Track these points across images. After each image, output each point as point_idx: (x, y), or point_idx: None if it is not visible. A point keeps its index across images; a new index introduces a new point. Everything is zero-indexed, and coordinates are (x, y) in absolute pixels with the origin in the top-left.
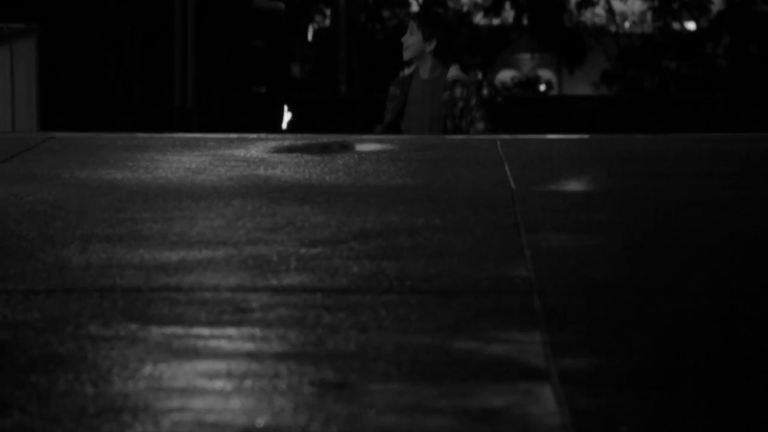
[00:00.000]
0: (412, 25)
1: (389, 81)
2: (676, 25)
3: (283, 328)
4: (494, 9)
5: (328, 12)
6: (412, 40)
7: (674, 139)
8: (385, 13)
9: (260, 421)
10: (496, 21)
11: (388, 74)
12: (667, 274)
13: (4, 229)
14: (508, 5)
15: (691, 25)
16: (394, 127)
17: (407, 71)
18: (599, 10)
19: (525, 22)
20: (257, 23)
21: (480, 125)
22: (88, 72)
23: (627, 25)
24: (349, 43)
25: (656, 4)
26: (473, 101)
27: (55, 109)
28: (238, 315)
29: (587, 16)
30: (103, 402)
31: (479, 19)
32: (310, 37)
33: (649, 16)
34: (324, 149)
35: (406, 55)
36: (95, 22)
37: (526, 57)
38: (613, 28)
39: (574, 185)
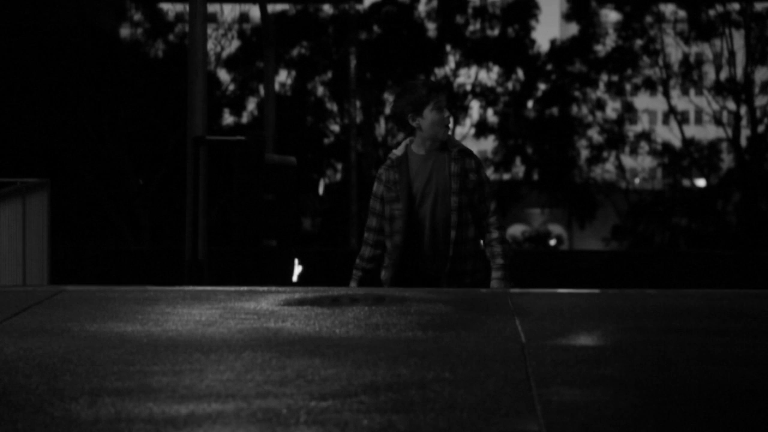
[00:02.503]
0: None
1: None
2: (686, 182)
3: None
4: (505, 164)
5: (339, 166)
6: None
7: (685, 294)
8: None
9: None
10: (506, 176)
11: None
12: (679, 431)
13: (13, 383)
14: (518, 160)
15: (701, 182)
16: (411, 216)
17: (396, 152)
18: (609, 166)
19: (535, 177)
20: (268, 177)
21: (492, 204)
22: (100, 225)
23: (637, 181)
24: (360, 197)
25: (666, 161)
26: (483, 174)
27: (67, 262)
28: None
29: (597, 172)
30: None
31: (490, 173)
32: (321, 190)
33: (659, 173)
34: (334, 302)
35: (448, 132)
36: (107, 176)
37: (536, 212)
38: (623, 184)
39: (584, 340)
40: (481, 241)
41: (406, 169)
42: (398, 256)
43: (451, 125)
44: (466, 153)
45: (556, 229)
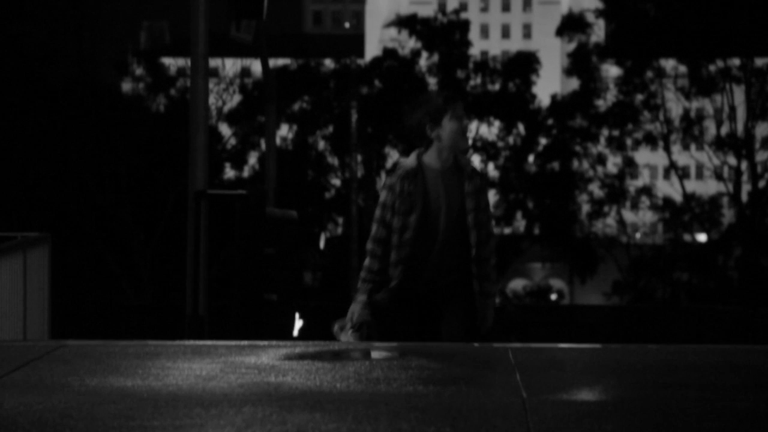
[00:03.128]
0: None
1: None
2: (687, 237)
3: None
4: (506, 218)
5: (340, 220)
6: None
7: (686, 350)
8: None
9: None
10: (507, 230)
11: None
12: None
13: None
14: (519, 215)
15: (702, 237)
16: (423, 226)
17: (408, 163)
18: (610, 220)
19: (536, 231)
20: (269, 231)
21: (492, 224)
22: (101, 278)
23: (638, 236)
24: (361, 252)
25: (667, 215)
26: (488, 193)
27: (68, 316)
28: None
29: (598, 226)
30: None
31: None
32: (322, 245)
33: (660, 228)
34: (335, 356)
35: (468, 142)
36: (108, 230)
37: (537, 266)
38: (624, 239)
39: (586, 395)
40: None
41: (422, 181)
42: (402, 270)
43: (470, 135)
44: (478, 173)
45: (557, 283)
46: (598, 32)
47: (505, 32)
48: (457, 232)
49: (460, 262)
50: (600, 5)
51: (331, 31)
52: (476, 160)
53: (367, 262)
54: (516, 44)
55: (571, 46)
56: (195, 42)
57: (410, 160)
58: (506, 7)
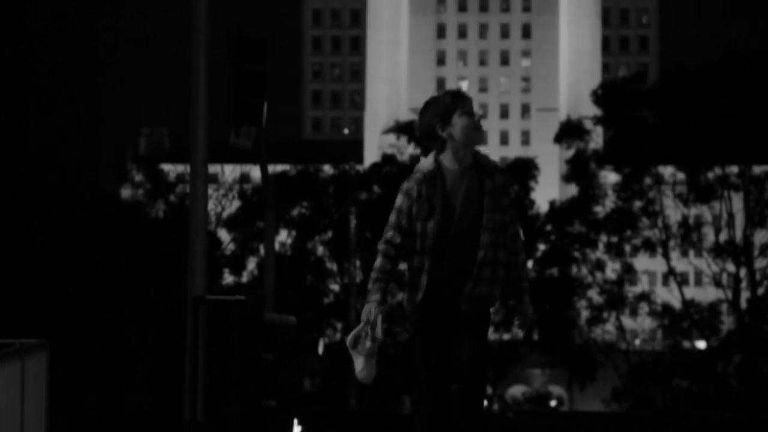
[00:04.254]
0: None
1: (399, 397)
2: (686, 344)
3: None
4: (504, 324)
5: (339, 326)
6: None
7: None
8: (396, 328)
9: None
10: (506, 336)
11: (398, 389)
12: None
13: None
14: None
15: (701, 344)
16: (444, 235)
17: (425, 165)
18: (609, 327)
19: (536, 337)
20: (268, 336)
21: (517, 225)
22: (99, 384)
23: (637, 342)
24: None
25: (666, 322)
26: (512, 194)
27: (65, 421)
28: None
29: (598, 332)
30: None
31: (489, 334)
32: (321, 350)
33: (659, 334)
34: None
35: (483, 137)
36: (106, 335)
37: (536, 372)
38: (623, 345)
39: None
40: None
41: (441, 184)
42: (428, 279)
43: (483, 129)
44: (499, 169)
45: (556, 389)
46: (597, 139)
47: (504, 139)
48: (478, 234)
49: (485, 271)
50: (598, 112)
51: (330, 137)
52: None
53: (378, 262)
54: (515, 150)
55: (570, 153)
56: (194, 148)
57: (427, 163)
58: (504, 114)
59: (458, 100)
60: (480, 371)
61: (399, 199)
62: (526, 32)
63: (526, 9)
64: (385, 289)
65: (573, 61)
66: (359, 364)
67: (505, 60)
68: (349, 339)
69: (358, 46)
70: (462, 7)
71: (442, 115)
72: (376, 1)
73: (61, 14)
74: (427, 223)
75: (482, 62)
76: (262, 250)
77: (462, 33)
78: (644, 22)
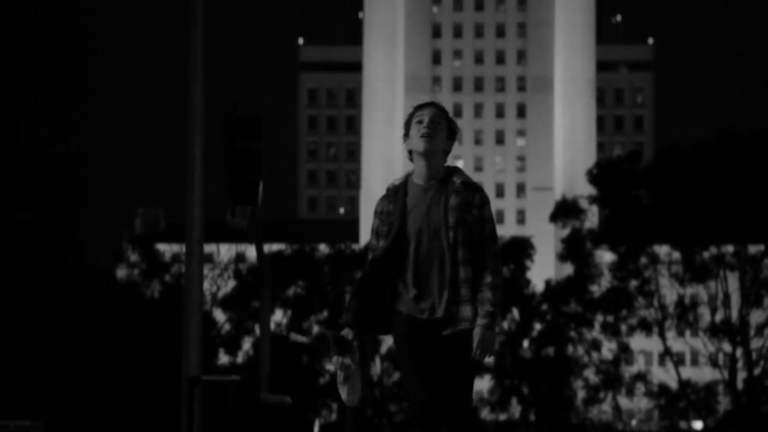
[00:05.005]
0: (437, 119)
1: None
2: (683, 424)
3: None
4: (501, 404)
5: (334, 406)
6: (438, 134)
7: None
8: (392, 407)
9: None
10: (503, 416)
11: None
12: None
13: None
14: (514, 401)
15: (698, 425)
16: (394, 251)
17: (396, 182)
18: (606, 407)
19: (532, 417)
20: (264, 417)
21: (491, 246)
22: None
23: (634, 422)
24: None
25: (663, 402)
26: (487, 212)
27: None
28: None
29: (594, 412)
30: None
31: (485, 414)
32: (316, 431)
33: (656, 415)
34: None
35: (432, 144)
36: (101, 416)
37: None
38: (620, 426)
39: None
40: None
41: (402, 200)
42: (371, 295)
43: (436, 138)
44: (471, 186)
45: None
46: (592, 218)
47: (499, 218)
48: (442, 252)
49: (455, 291)
50: (593, 191)
51: (325, 217)
52: None
53: (354, 286)
54: (510, 230)
55: (565, 232)
56: (190, 228)
57: (398, 179)
58: (500, 193)
59: (416, 111)
60: (464, 406)
61: (372, 220)
62: (521, 112)
63: (521, 89)
64: (350, 313)
65: (568, 141)
66: (342, 391)
67: (500, 139)
68: (334, 364)
69: (353, 125)
70: (457, 87)
71: (405, 130)
72: (371, 81)
73: (55, 94)
74: (387, 240)
75: (477, 141)
76: (257, 330)
77: (457, 113)
78: (639, 102)
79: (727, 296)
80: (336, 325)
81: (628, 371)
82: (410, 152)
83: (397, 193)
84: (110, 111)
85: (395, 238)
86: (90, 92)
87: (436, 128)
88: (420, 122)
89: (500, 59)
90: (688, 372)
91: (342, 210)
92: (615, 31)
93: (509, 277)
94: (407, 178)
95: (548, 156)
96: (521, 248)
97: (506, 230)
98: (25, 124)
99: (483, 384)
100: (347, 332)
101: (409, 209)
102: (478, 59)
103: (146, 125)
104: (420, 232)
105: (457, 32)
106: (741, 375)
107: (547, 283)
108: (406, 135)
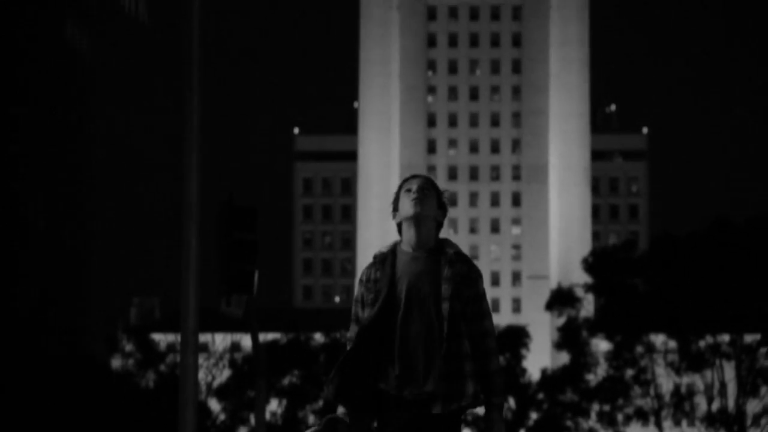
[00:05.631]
0: (427, 187)
1: None
2: None
3: None
4: None
5: None
6: (428, 201)
7: None
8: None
9: None
10: None
11: None
12: None
13: None
14: None
15: None
16: (380, 325)
17: (384, 249)
18: None
19: None
20: None
21: (487, 323)
22: None
23: None
24: None
25: None
26: (481, 288)
27: None
28: None
29: None
30: None
31: None
32: None
33: None
34: None
35: (422, 209)
36: None
37: None
38: None
39: None
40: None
41: (390, 268)
42: (354, 370)
43: (425, 203)
44: (465, 258)
45: None
46: (588, 307)
47: (495, 306)
48: (431, 324)
49: (450, 366)
50: (589, 280)
51: (321, 306)
52: None
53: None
54: (506, 318)
55: (561, 321)
56: (185, 317)
57: (385, 247)
58: (495, 281)
59: (405, 183)
60: None
61: (356, 289)
62: (516, 200)
63: (516, 177)
64: (332, 386)
65: (563, 229)
66: None
67: (495, 227)
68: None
69: (349, 214)
70: (452, 176)
71: (394, 203)
72: (366, 170)
73: (50, 182)
74: (373, 310)
75: (473, 230)
76: (252, 420)
77: (452, 201)
78: (633, 191)
79: (723, 385)
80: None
81: None
82: (399, 226)
83: (384, 261)
84: (105, 200)
85: (382, 307)
86: (85, 181)
87: (426, 194)
88: (409, 190)
89: (495, 148)
90: None
91: (337, 299)
92: (609, 120)
93: (505, 365)
94: (395, 245)
95: (544, 244)
96: (517, 337)
97: (502, 319)
98: (19, 214)
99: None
100: (345, 416)
101: (398, 277)
102: (473, 148)
103: (141, 214)
104: (409, 302)
105: (452, 121)
106: None
107: (543, 372)
108: (395, 210)
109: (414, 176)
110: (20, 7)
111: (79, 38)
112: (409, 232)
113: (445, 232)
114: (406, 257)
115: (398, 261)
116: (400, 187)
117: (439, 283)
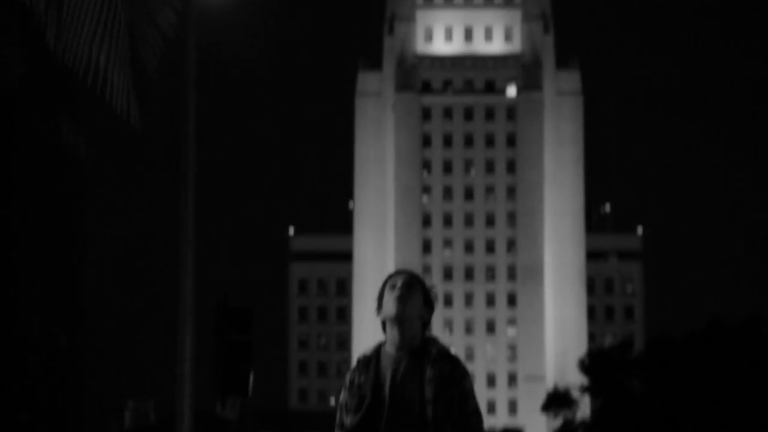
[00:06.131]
0: (412, 284)
1: None
2: None
3: None
4: None
5: None
6: (412, 300)
7: None
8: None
9: None
10: None
11: None
12: None
13: None
14: None
15: None
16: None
17: (367, 352)
18: None
19: None
20: None
21: (474, 420)
22: None
23: None
24: None
25: None
26: (468, 386)
27: None
28: None
29: None
30: None
31: None
32: None
33: None
34: None
35: (406, 309)
36: None
37: None
38: None
39: None
40: None
41: (374, 371)
42: None
43: (410, 302)
44: (448, 358)
45: None
46: (584, 408)
47: (491, 407)
48: (415, 429)
49: None
50: (585, 381)
51: (316, 408)
52: None
53: None
54: (502, 419)
55: (558, 422)
56: (180, 420)
57: (369, 349)
58: (491, 382)
59: (387, 278)
60: None
61: (341, 394)
62: (512, 300)
63: (511, 277)
64: None
65: (559, 330)
66: None
67: (490, 328)
68: None
69: (344, 315)
70: (447, 276)
71: (378, 301)
72: (362, 271)
73: (46, 284)
74: (357, 415)
75: (468, 330)
76: None
77: (448, 301)
78: (629, 291)
79: None
80: None
81: None
82: (383, 324)
83: (368, 364)
84: (100, 302)
85: (365, 414)
86: (79, 283)
87: (411, 292)
88: (393, 287)
89: (490, 248)
90: None
91: (333, 401)
92: (604, 220)
93: (470, 390)
94: (380, 347)
95: (539, 345)
96: None
97: (498, 420)
98: (14, 315)
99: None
100: None
101: (382, 380)
102: (468, 248)
103: (137, 317)
104: (393, 408)
105: (447, 221)
106: None
107: None
108: (380, 307)
109: (399, 272)
110: (16, 111)
111: (74, 141)
112: (393, 332)
113: (440, 333)
114: (389, 360)
115: (382, 363)
116: (385, 283)
117: (423, 385)
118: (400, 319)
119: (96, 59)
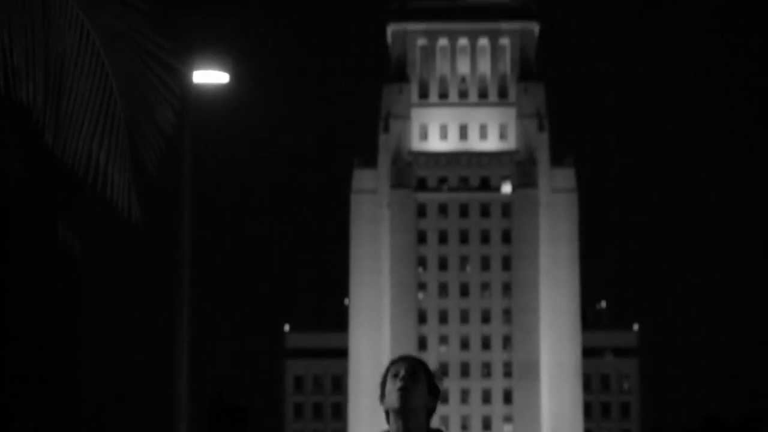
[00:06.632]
0: (416, 372)
1: None
2: None
3: None
4: None
5: None
6: (416, 390)
7: None
8: None
9: None
10: None
11: None
12: None
13: None
14: None
15: None
16: None
17: None
18: None
19: None
20: None
21: None
22: None
23: None
24: None
25: None
26: None
27: None
28: None
29: None
30: None
31: None
32: None
33: None
34: None
35: (410, 400)
36: None
37: None
38: None
39: None
40: None
41: None
42: None
43: (414, 394)
44: None
45: None
46: None
47: None
48: None
49: None
50: None
51: None
52: None
53: None
54: None
55: None
56: None
57: None
58: (486, 426)
59: (390, 364)
60: None
61: None
62: (508, 397)
63: (507, 374)
64: None
65: (555, 427)
66: None
67: (487, 425)
68: None
69: (340, 412)
70: (443, 372)
71: (381, 389)
72: (357, 367)
73: (40, 386)
74: None
75: (464, 427)
76: None
77: (444, 399)
78: (625, 388)
79: None
80: None
81: None
82: (387, 413)
83: None
84: (96, 404)
85: None
86: (75, 383)
87: (414, 382)
88: (396, 375)
89: (486, 345)
90: None
91: None
92: (600, 317)
93: None
94: None
95: None
96: None
97: None
98: (8, 421)
99: None
100: None
101: None
102: (464, 345)
103: (130, 414)
104: None
105: (443, 318)
106: None
107: None
108: (383, 395)
109: (402, 359)
110: (14, 209)
111: (71, 239)
112: (397, 424)
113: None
114: None
115: None
116: (388, 370)
117: None
118: (403, 412)
119: (96, 157)
